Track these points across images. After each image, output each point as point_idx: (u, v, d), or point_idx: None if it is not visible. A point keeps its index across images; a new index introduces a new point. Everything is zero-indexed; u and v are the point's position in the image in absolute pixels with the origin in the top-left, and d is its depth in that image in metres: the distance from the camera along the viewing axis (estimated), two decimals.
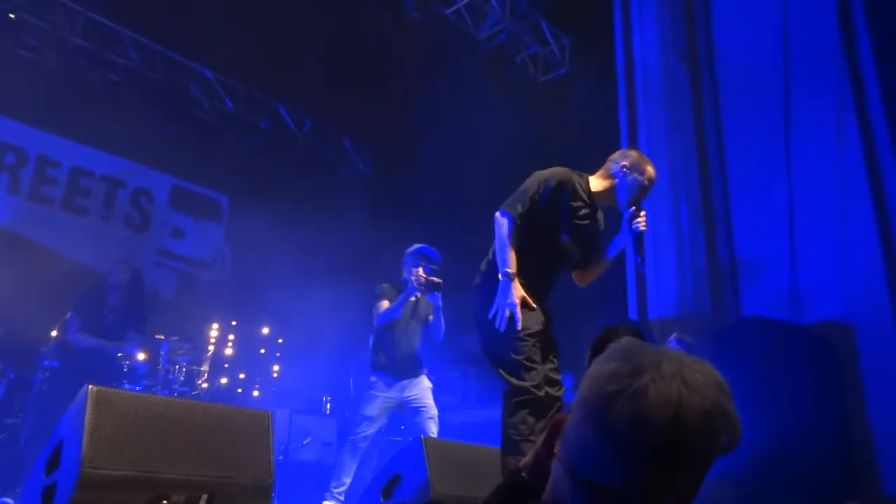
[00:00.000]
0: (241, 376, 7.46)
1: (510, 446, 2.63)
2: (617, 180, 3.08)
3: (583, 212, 3.01)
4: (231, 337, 7.52)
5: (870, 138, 6.12)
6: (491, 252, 2.96)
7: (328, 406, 7.05)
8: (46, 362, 5.26)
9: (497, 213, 2.92)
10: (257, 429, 2.52)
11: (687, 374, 0.90)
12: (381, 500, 3.14)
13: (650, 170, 3.08)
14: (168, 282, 8.53)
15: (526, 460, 1.22)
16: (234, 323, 7.69)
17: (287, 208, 8.22)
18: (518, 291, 2.79)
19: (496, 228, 2.90)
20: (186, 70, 8.52)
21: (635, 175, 3.06)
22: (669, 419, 0.86)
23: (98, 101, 7.66)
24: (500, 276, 2.83)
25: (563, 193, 2.96)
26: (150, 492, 2.13)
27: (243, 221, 8.70)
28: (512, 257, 2.84)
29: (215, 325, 7.24)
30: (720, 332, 6.33)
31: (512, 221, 2.86)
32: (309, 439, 6.44)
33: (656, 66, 7.62)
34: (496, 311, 2.78)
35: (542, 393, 2.70)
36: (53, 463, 2.18)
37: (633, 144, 7.69)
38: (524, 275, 2.85)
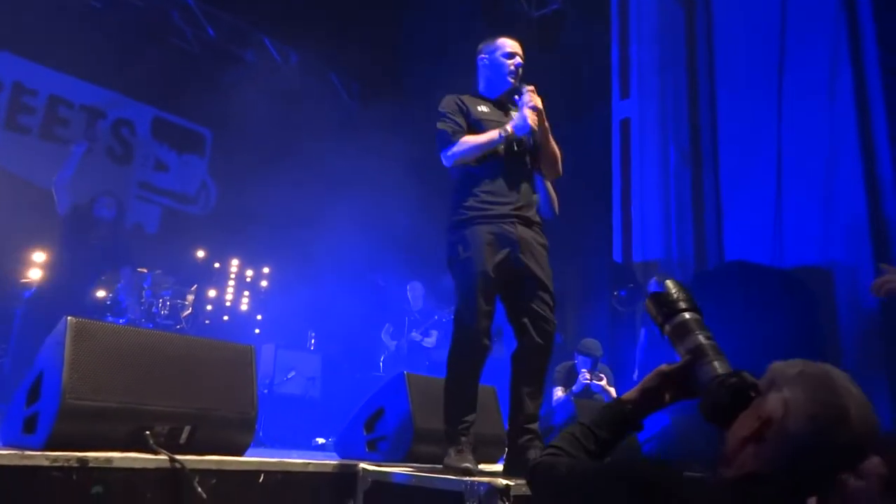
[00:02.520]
0: (226, 311, 7.48)
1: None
2: (479, 70, 3.08)
3: (493, 116, 2.96)
4: (215, 271, 7.51)
5: (863, 88, 6.06)
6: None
7: (313, 341, 7.12)
8: (28, 293, 5.22)
9: (443, 161, 2.91)
10: (241, 362, 2.53)
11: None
12: (365, 433, 3.21)
13: (500, 41, 3.04)
14: (151, 216, 8.44)
15: (632, 396, 1.42)
16: (217, 258, 7.66)
17: (272, 142, 8.08)
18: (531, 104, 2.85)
19: (450, 165, 2.88)
20: None
21: (490, 55, 3.03)
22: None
23: (76, 27, 7.38)
24: (499, 138, 2.84)
25: (462, 108, 2.94)
26: (132, 423, 2.14)
27: (227, 155, 8.56)
28: (480, 136, 2.85)
29: (199, 256, 7.21)
30: (702, 274, 6.40)
31: (449, 150, 2.86)
32: (293, 373, 6.53)
33: (651, 4, 7.44)
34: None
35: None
36: (34, 393, 2.18)
37: (623, 83, 7.57)
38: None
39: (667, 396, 1.42)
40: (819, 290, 5.91)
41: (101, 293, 5.42)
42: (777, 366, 1.26)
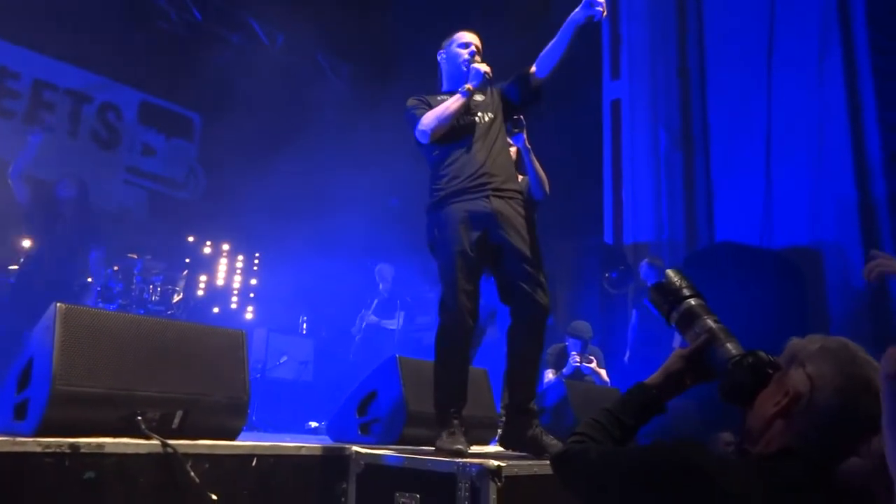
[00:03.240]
0: (218, 296, 7.46)
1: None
2: (440, 69, 3.09)
3: (465, 114, 2.94)
4: (205, 257, 7.47)
5: (852, 68, 6.06)
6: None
7: (304, 326, 7.12)
8: (11, 280, 5.16)
9: (419, 139, 2.89)
10: (232, 347, 2.52)
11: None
12: (357, 417, 3.21)
13: (455, 35, 3.05)
14: (139, 201, 8.37)
15: (656, 380, 1.44)
16: (208, 243, 7.62)
17: (261, 126, 8.01)
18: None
19: (427, 141, 2.86)
20: None
21: (446, 50, 3.05)
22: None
23: (60, 10, 7.26)
24: (461, 94, 2.84)
25: (426, 101, 2.95)
26: (124, 409, 2.14)
27: (216, 139, 8.48)
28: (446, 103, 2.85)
29: (188, 250, 7.17)
30: (693, 256, 6.43)
31: (420, 123, 2.85)
32: (285, 358, 6.53)
33: None
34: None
35: None
36: (25, 380, 2.16)
37: (614, 63, 7.55)
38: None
39: (687, 380, 1.45)
40: (809, 270, 5.95)
41: (90, 279, 5.38)
42: (796, 342, 1.29)
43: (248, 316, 7.76)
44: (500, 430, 3.44)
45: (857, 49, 6.02)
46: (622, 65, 7.53)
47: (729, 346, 1.38)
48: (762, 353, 1.31)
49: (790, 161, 6.36)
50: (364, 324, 6.58)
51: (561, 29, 2.84)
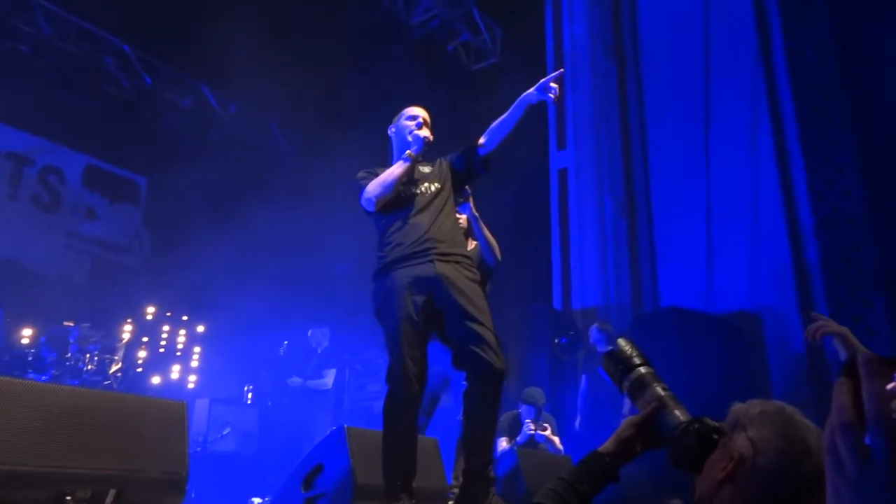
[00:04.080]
0: (158, 366, 7.19)
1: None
2: (392, 143, 3.16)
3: (411, 184, 3.01)
4: (148, 324, 7.23)
5: (781, 137, 6.42)
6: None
7: (249, 396, 6.89)
8: None
9: (366, 207, 2.94)
10: (172, 420, 2.41)
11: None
12: (302, 492, 3.09)
13: (404, 110, 3.15)
14: (80, 266, 8.12)
15: (609, 447, 1.46)
16: (151, 309, 7.39)
17: (209, 191, 7.94)
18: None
19: (373, 209, 2.91)
20: (102, 42, 8.08)
21: (395, 124, 3.14)
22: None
23: (2, 72, 7.17)
24: (403, 161, 2.91)
25: (376, 173, 3.00)
26: (50, 488, 2.00)
27: (162, 204, 8.36)
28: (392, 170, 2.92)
29: (129, 318, 6.93)
30: (639, 320, 6.54)
31: (365, 191, 2.91)
32: (228, 430, 6.27)
33: (585, 59, 7.76)
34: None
35: None
36: None
37: (560, 134, 7.82)
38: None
39: (638, 447, 1.47)
40: (749, 333, 6.12)
41: (22, 346, 5.13)
42: (738, 407, 1.33)
43: (191, 386, 7.48)
44: (451, 498, 3.35)
45: (784, 119, 6.40)
46: (568, 136, 7.80)
47: (677, 412, 1.41)
48: (708, 420, 1.34)
49: (729, 228, 6.62)
50: (295, 388, 6.39)
51: (513, 106, 2.93)
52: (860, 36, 6.19)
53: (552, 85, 2.83)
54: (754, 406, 1.30)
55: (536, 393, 5.46)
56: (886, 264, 5.89)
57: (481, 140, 3.02)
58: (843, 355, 2.23)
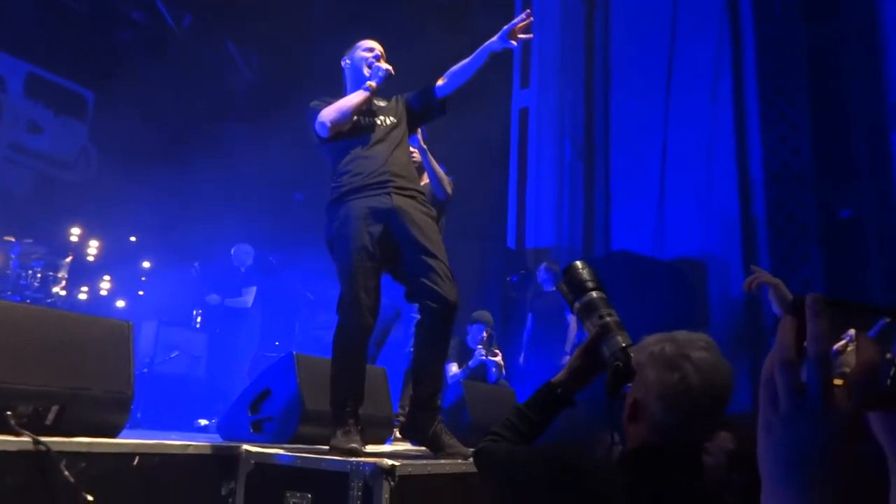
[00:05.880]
0: (105, 286, 7.05)
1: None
2: (345, 75, 3.09)
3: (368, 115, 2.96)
4: (94, 243, 7.04)
5: (741, 92, 6.49)
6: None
7: (198, 320, 6.84)
8: None
9: (319, 132, 2.85)
10: (116, 339, 2.39)
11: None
12: (249, 414, 3.12)
13: (359, 43, 3.08)
14: (22, 180, 7.81)
15: (560, 377, 1.51)
16: (96, 229, 7.19)
17: (161, 110, 7.65)
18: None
19: (326, 134, 2.82)
20: None
21: (350, 56, 3.06)
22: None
23: None
24: (364, 90, 2.85)
25: (329, 102, 2.93)
26: None
27: (111, 121, 8.02)
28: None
29: (76, 230, 6.73)
30: (589, 262, 6.68)
31: (319, 116, 2.83)
32: (176, 353, 6.25)
33: None
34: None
35: None
36: None
37: (524, 72, 7.74)
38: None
39: (589, 374, 1.52)
40: (695, 280, 6.33)
41: None
42: (641, 344, 1.38)
43: (139, 307, 7.37)
44: (397, 426, 3.44)
45: (745, 73, 6.46)
46: (532, 75, 7.73)
47: (619, 338, 1.43)
48: (629, 351, 1.38)
49: (683, 177, 6.74)
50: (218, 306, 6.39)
51: (475, 53, 2.87)
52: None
53: (519, 35, 2.77)
54: (648, 344, 1.35)
55: (486, 315, 5.52)
56: (826, 221, 6.11)
57: (440, 82, 2.96)
58: (774, 305, 2.33)
